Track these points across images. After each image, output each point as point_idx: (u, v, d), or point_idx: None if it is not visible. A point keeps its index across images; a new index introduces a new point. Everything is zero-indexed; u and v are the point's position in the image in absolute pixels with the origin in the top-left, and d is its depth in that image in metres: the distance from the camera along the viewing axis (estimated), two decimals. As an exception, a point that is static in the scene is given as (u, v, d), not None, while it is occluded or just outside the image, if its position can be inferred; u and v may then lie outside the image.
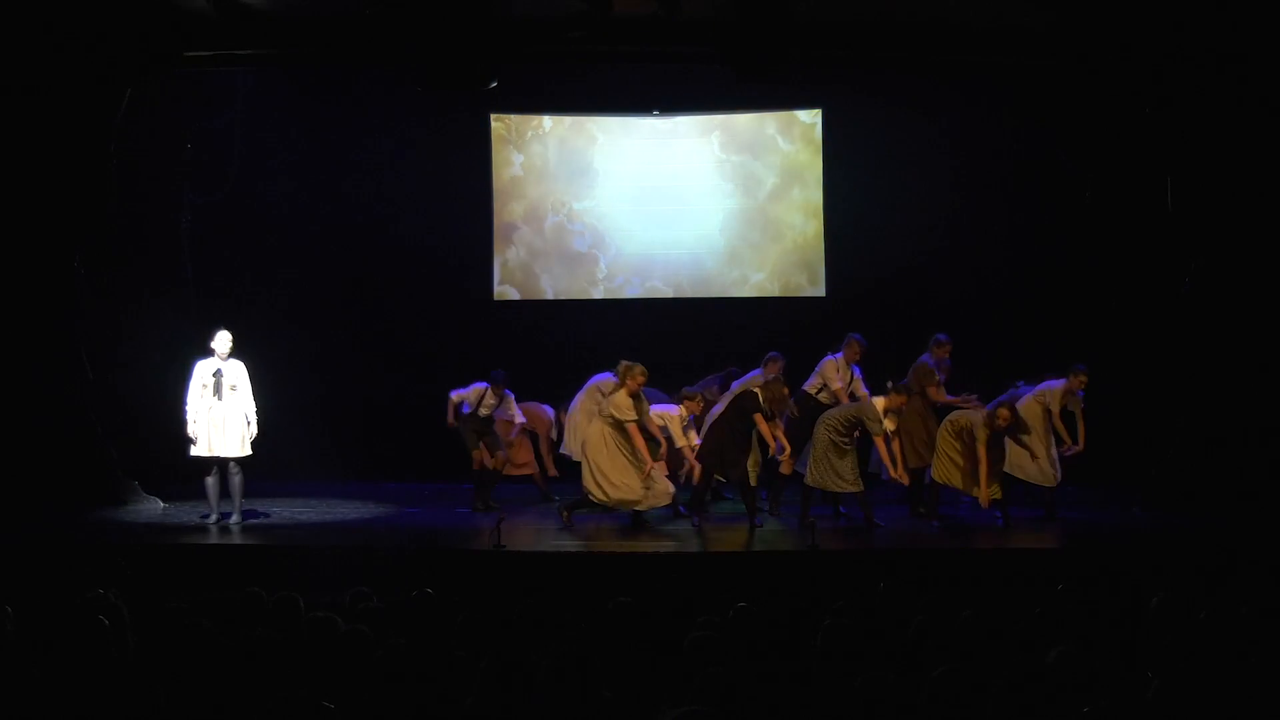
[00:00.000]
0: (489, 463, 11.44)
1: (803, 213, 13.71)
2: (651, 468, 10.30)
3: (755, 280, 13.74)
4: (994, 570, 8.78)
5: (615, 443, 10.26)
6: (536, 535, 10.25)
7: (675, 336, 13.06)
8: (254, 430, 10.50)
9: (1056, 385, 10.63)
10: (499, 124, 13.73)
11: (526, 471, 11.97)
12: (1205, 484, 10.65)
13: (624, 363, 10.32)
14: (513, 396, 11.56)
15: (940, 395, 10.93)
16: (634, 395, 10.26)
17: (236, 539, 10.14)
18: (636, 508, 10.41)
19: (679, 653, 5.01)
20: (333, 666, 4.87)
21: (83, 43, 10.67)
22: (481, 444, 11.42)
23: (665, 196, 13.69)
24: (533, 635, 5.49)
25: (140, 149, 11.98)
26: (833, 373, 11.00)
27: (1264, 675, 4.63)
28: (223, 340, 10.48)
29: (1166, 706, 4.10)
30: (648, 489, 10.31)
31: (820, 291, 13.65)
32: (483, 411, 11.38)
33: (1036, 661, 4.72)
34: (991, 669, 4.48)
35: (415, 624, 5.64)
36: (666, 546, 9.83)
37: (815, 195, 13.67)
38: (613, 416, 10.25)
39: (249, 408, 10.49)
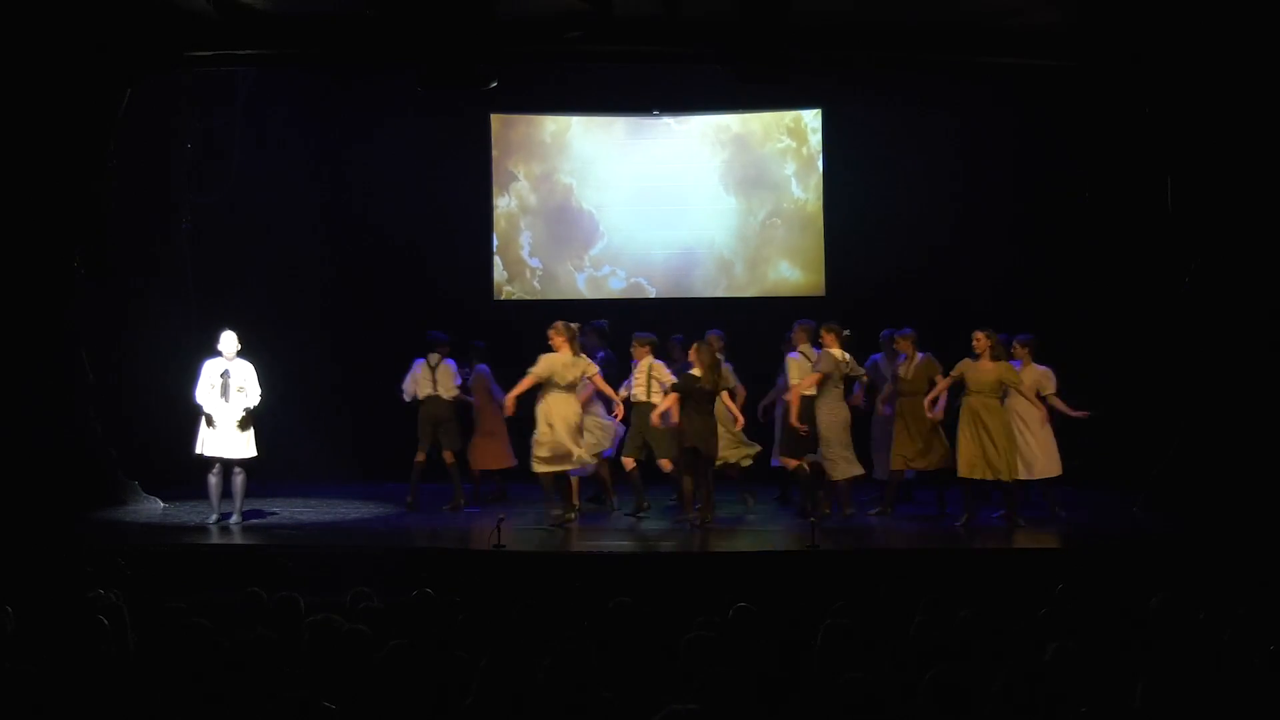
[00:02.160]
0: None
1: (801, 215, 13.72)
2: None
3: (746, 286, 13.78)
4: (994, 570, 8.78)
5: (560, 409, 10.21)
6: (536, 535, 10.25)
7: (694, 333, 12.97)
8: (253, 402, 10.44)
9: (1018, 366, 10.69)
10: (499, 120, 13.77)
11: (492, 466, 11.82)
12: (1205, 484, 10.63)
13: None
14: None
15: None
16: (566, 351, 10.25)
17: (236, 539, 10.15)
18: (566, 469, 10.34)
19: (679, 653, 5.01)
20: (333, 666, 4.87)
21: (83, 43, 10.67)
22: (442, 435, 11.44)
23: (661, 196, 13.73)
24: (533, 635, 5.49)
25: (140, 149, 11.99)
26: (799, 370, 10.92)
27: (1264, 675, 4.63)
28: (228, 341, 10.49)
29: (1164, 707, 4.10)
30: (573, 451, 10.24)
31: (820, 291, 13.66)
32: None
33: (1036, 661, 4.72)
34: (991, 669, 4.47)
35: (415, 624, 5.64)
36: (666, 546, 9.83)
37: (815, 196, 13.68)
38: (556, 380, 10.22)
39: (252, 404, 10.48)
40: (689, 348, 10.66)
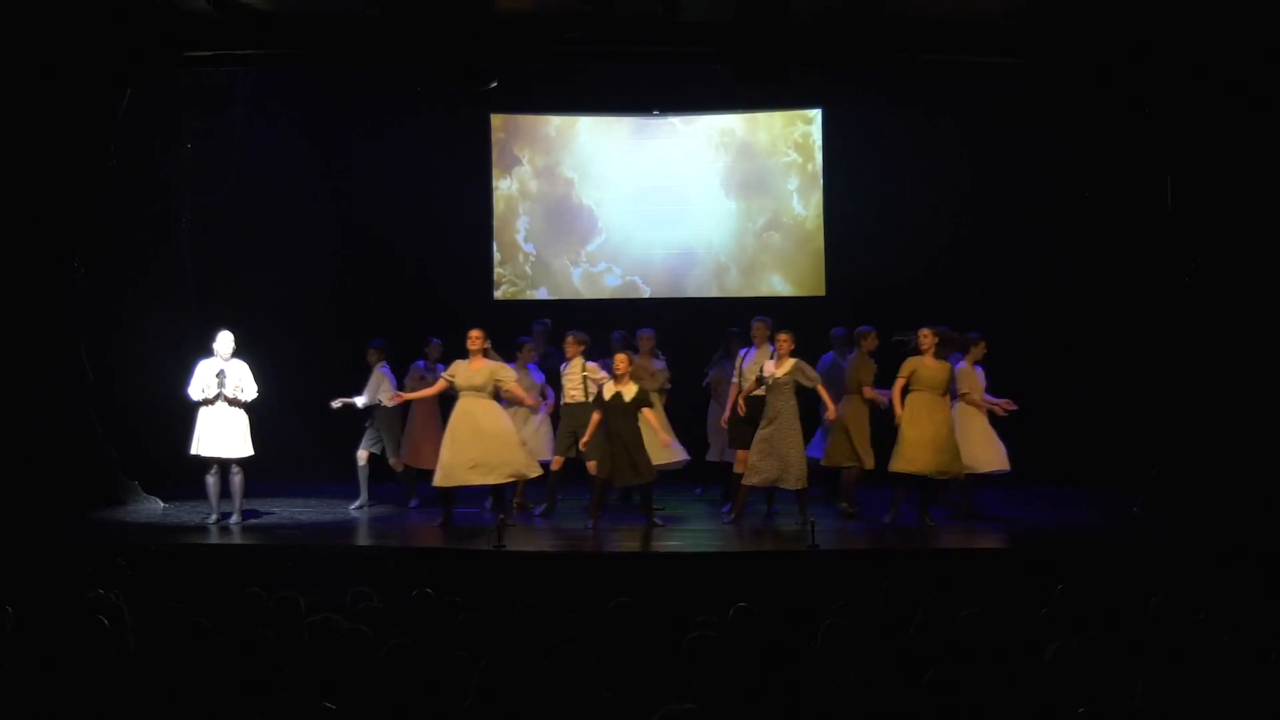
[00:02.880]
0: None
1: (800, 231, 13.70)
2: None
3: (739, 292, 13.74)
4: (995, 570, 8.78)
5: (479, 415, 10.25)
6: (536, 535, 10.26)
7: (685, 333, 12.93)
8: (249, 399, 10.47)
9: (961, 366, 10.73)
10: (499, 117, 13.77)
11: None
12: (1205, 484, 10.63)
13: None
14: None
15: (873, 394, 10.77)
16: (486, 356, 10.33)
17: (236, 539, 10.15)
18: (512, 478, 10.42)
19: (679, 653, 5.01)
20: (333, 666, 4.87)
21: (83, 43, 10.67)
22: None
23: (661, 195, 13.72)
24: (533, 635, 5.49)
25: (140, 149, 11.98)
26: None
27: (1264, 675, 4.62)
28: (224, 341, 10.50)
29: (1164, 707, 4.10)
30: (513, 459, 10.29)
31: (820, 291, 13.65)
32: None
33: (1035, 661, 4.72)
34: (991, 669, 4.47)
35: (415, 624, 5.64)
36: (667, 546, 9.83)
37: (815, 214, 13.66)
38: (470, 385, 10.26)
39: (248, 399, 10.48)
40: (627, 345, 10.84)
